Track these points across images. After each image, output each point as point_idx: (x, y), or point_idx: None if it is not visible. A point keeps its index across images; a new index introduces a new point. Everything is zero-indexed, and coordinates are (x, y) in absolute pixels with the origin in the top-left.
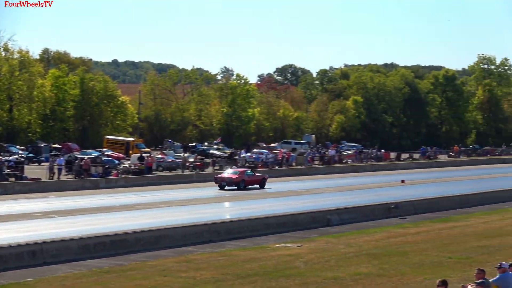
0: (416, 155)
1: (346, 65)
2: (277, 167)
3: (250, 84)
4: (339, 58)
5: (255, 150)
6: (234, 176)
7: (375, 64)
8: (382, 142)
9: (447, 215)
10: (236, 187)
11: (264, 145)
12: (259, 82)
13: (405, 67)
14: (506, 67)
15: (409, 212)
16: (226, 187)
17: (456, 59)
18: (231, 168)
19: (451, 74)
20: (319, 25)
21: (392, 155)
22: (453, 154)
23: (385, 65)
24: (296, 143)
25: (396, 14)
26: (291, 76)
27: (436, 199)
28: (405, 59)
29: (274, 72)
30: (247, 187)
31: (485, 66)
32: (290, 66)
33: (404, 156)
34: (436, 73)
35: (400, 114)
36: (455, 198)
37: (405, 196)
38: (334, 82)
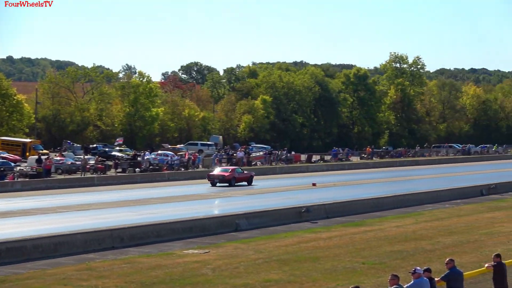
0: (327, 157)
1: (254, 63)
2: (183, 169)
3: (153, 82)
4: (247, 56)
5: (159, 151)
6: (226, 174)
7: (284, 62)
8: (292, 143)
9: (360, 219)
10: (228, 184)
11: (169, 146)
12: (163, 81)
13: (315, 65)
14: (418, 66)
15: (320, 216)
16: (218, 184)
17: (368, 57)
18: (220, 166)
19: (362, 72)
20: (226, 22)
21: (303, 157)
22: (365, 156)
23: (295, 63)
24: (202, 145)
25: (306, 11)
26: (197, 74)
27: (348, 203)
28: (315, 57)
29: (179, 70)
30: (236, 184)
31: (398, 64)
32: (196, 64)
33: (315, 158)
34: (347, 71)
35: (311, 114)
36: (368, 201)
37: (316, 200)
38: (242, 80)
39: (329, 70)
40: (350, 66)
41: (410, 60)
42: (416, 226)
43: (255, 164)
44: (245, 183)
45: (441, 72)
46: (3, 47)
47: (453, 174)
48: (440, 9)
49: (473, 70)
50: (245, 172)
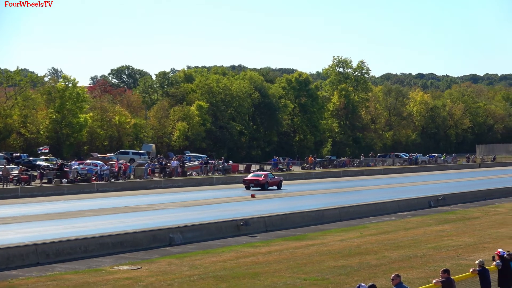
0: (267, 167)
1: (189, 67)
2: (113, 180)
3: (80, 86)
4: (182, 59)
5: (88, 161)
6: (260, 178)
7: (221, 66)
8: (230, 152)
9: (302, 233)
10: (260, 188)
11: (99, 155)
12: (92, 85)
13: (254, 69)
14: (363, 71)
15: (260, 229)
16: (252, 188)
17: (310, 61)
18: (255, 171)
19: (304, 77)
20: (159, 24)
21: (241, 166)
22: (307, 166)
23: (232, 67)
24: (134, 153)
25: (243, 12)
26: (128, 78)
27: (289, 215)
28: (254, 61)
29: (109, 74)
30: (269, 188)
31: (341, 69)
32: (127, 67)
33: (254, 167)
34: (288, 76)
35: (250, 121)
36: (310, 213)
37: (255, 212)
38: (176, 85)
39: (269, 75)
40: (291, 71)
41: (354, 65)
42: (360, 239)
43: (190, 174)
44: (276, 187)
45: (387, 77)
46: None
47: (399, 184)
48: (385, 11)
49: (420, 75)
50: (275, 177)
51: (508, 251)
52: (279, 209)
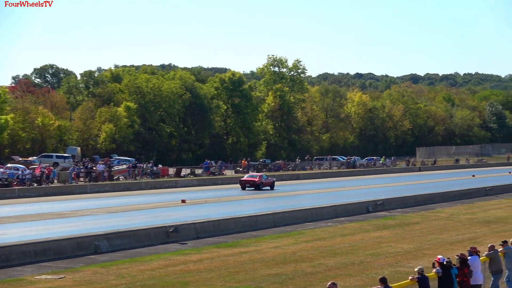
0: (198, 171)
1: (117, 66)
2: (35, 185)
3: (1, 86)
4: (109, 58)
5: (9, 165)
6: (256, 179)
7: (151, 65)
8: (159, 155)
9: (234, 239)
10: (255, 188)
11: (20, 159)
12: (14, 85)
13: (185, 69)
14: (299, 70)
15: (190, 236)
16: (247, 188)
17: (244, 60)
18: (250, 172)
19: (238, 77)
20: (85, 21)
21: (171, 170)
22: (241, 169)
23: (162, 66)
24: (58, 157)
25: (174, 10)
26: (52, 78)
27: (221, 221)
28: (185, 59)
29: (32, 73)
30: (263, 188)
31: (276, 69)
32: (51, 66)
33: (185, 171)
34: (221, 76)
35: (180, 123)
36: (243, 219)
37: (186, 218)
38: (103, 85)
39: (200, 74)
40: (224, 70)
41: (290, 64)
42: (296, 246)
43: (118, 179)
44: (269, 187)
45: (324, 77)
46: None
47: (337, 189)
48: (321, 9)
49: (358, 75)
50: (269, 178)
51: (448, 258)
52: (211, 215)
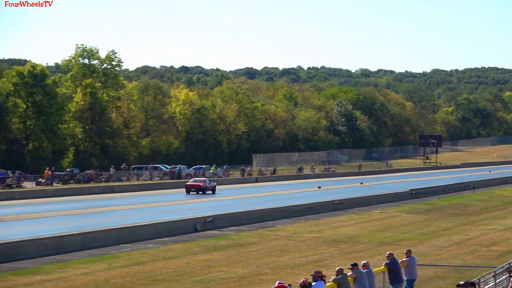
0: None
1: None
2: None
3: None
4: None
5: None
6: (201, 184)
7: None
8: None
9: (36, 265)
10: (201, 192)
11: None
12: None
13: None
14: (113, 63)
15: None
16: (192, 192)
17: (47, 50)
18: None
19: (39, 70)
20: None
21: None
22: (43, 181)
23: None
24: None
25: None
26: None
27: (18, 243)
28: None
29: None
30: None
31: (86, 61)
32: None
33: None
34: (20, 69)
35: None
36: (45, 241)
37: None
38: None
39: None
40: (23, 62)
41: (103, 55)
42: (109, 273)
43: None
44: (211, 192)
45: (144, 70)
46: None
47: (159, 204)
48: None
49: (185, 69)
50: (211, 183)
51: (289, 284)
52: (6, 237)
